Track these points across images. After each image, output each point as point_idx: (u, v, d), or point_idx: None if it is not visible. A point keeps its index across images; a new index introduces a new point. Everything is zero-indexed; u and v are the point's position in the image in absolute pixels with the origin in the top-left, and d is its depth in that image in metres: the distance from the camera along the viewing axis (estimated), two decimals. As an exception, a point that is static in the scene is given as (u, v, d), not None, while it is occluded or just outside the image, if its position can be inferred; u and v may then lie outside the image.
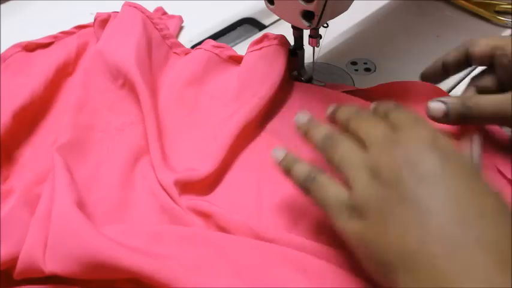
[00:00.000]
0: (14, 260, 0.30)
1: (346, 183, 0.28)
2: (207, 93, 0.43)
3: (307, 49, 0.42)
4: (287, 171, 0.31)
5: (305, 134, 0.33)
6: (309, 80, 0.43)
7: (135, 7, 0.48)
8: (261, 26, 0.54)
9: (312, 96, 0.42)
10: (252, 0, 0.56)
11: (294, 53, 0.43)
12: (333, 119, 0.34)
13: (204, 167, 0.36)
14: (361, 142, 0.29)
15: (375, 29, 0.52)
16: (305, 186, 0.30)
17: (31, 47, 0.49)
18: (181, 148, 0.39)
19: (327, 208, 0.29)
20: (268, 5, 0.39)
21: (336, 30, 0.51)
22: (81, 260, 0.29)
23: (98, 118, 0.41)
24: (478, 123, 0.35)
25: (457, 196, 0.25)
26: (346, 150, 0.29)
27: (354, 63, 0.47)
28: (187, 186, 0.35)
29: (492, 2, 0.51)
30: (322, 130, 0.32)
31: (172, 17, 0.54)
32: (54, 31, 0.51)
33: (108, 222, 0.34)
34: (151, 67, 0.45)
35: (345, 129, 0.32)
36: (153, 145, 0.38)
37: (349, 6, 0.38)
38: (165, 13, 0.54)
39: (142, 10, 0.48)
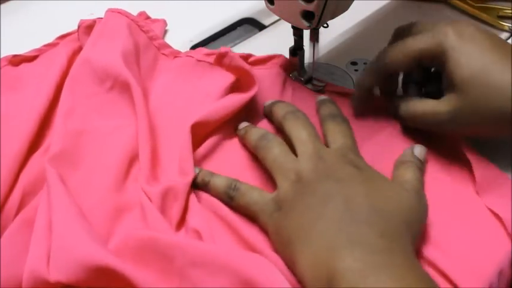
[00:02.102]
0: (18, 283, 0.30)
1: (274, 181, 0.33)
2: (199, 98, 0.43)
3: (307, 49, 0.42)
4: (205, 185, 0.35)
5: (243, 136, 0.38)
6: (309, 80, 0.43)
7: (118, 12, 0.48)
8: (261, 26, 0.54)
9: (306, 98, 0.42)
10: (252, 0, 0.56)
11: (294, 53, 0.43)
12: (269, 114, 0.39)
13: (183, 176, 0.36)
14: (292, 146, 0.34)
15: (375, 29, 0.52)
16: (228, 195, 0.34)
17: (16, 61, 0.48)
18: (171, 151, 0.39)
19: (252, 207, 0.33)
20: (268, 5, 0.39)
21: (336, 30, 0.51)
22: (86, 267, 0.29)
23: (87, 123, 0.40)
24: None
25: (357, 196, 0.30)
26: (278, 155, 0.34)
27: (354, 63, 0.47)
28: (170, 197, 0.35)
29: (495, 6, 0.51)
30: (258, 131, 0.37)
31: (156, 21, 0.53)
32: (54, 31, 0.51)
33: (103, 228, 0.34)
34: (139, 71, 0.44)
35: (280, 126, 0.37)
36: (143, 149, 0.37)
37: (349, 6, 0.38)
38: (148, 17, 0.53)
39: (126, 14, 0.48)
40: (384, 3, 0.55)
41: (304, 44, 0.42)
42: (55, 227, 0.31)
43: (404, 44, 0.36)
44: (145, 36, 0.47)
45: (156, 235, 0.31)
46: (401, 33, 0.38)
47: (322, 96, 0.40)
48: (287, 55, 0.44)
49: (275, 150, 0.34)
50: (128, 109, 0.41)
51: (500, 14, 0.51)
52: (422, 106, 0.36)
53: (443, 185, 0.35)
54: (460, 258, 0.31)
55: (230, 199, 0.34)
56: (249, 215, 0.33)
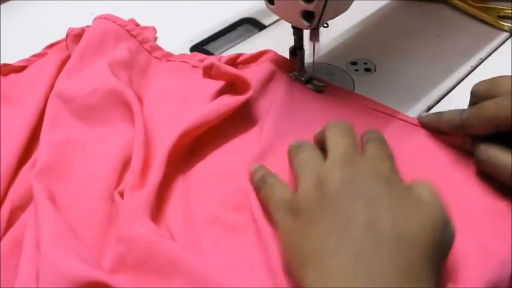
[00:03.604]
0: None
1: (297, 182, 0.32)
2: (193, 102, 0.42)
3: (307, 49, 0.42)
4: (251, 176, 0.35)
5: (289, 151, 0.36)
6: (309, 80, 0.43)
7: (106, 18, 0.47)
8: (261, 26, 0.54)
9: (306, 98, 0.42)
10: (252, 0, 0.56)
11: (294, 53, 0.43)
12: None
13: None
14: (325, 152, 0.33)
15: (375, 29, 0.52)
16: (257, 185, 0.34)
17: (5, 71, 0.47)
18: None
19: (270, 202, 0.32)
20: (268, 5, 0.39)
21: (336, 30, 0.51)
22: (75, 283, 0.28)
23: (72, 132, 0.40)
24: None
25: (381, 220, 0.27)
26: (307, 156, 0.33)
27: (354, 63, 0.47)
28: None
29: (496, 6, 0.51)
30: (300, 142, 0.36)
31: (146, 28, 0.53)
32: (54, 31, 0.51)
33: (97, 238, 0.33)
34: (132, 76, 0.44)
35: (323, 134, 0.35)
36: (136, 155, 0.37)
37: (349, 6, 0.38)
38: (138, 25, 0.53)
39: (114, 20, 0.47)
40: (384, 3, 0.55)
41: (304, 44, 0.42)
42: (43, 246, 0.30)
43: (482, 111, 0.33)
44: (135, 41, 0.47)
45: (159, 247, 0.30)
46: (480, 91, 0.35)
47: (370, 130, 0.37)
48: (287, 55, 0.44)
49: (305, 153, 0.33)
50: (115, 116, 0.41)
51: (501, 14, 0.51)
52: (504, 158, 0.32)
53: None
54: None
55: (258, 189, 0.34)
56: (266, 209, 0.33)
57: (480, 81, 0.36)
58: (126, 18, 0.51)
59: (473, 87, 0.36)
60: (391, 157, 0.33)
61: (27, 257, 0.31)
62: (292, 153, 0.35)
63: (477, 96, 0.35)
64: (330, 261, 0.26)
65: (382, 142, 0.34)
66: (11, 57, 0.49)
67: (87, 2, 0.58)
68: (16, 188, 0.37)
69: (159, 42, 0.51)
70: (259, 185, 0.34)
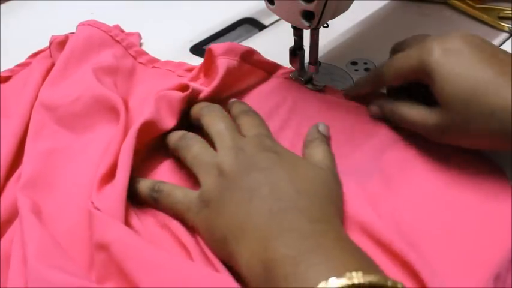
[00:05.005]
0: None
1: (197, 180, 0.33)
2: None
3: (307, 49, 0.42)
4: (134, 192, 0.34)
5: (165, 140, 0.38)
6: (309, 80, 0.43)
7: (89, 25, 0.47)
8: (261, 26, 0.54)
9: (306, 98, 0.42)
10: (252, 0, 0.56)
11: (294, 53, 0.43)
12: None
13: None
14: (210, 140, 0.35)
15: (375, 29, 0.52)
16: (152, 198, 0.34)
17: None
18: None
19: (178, 207, 0.33)
20: (268, 5, 0.39)
21: (336, 30, 0.51)
22: None
23: (57, 141, 0.40)
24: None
25: (280, 182, 0.30)
26: (198, 152, 0.34)
27: (354, 63, 0.47)
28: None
29: (496, 7, 0.51)
30: (177, 133, 0.37)
31: (131, 34, 0.52)
32: (54, 31, 0.50)
33: (85, 249, 0.33)
34: (117, 82, 0.44)
35: (198, 123, 0.37)
36: (108, 157, 0.36)
37: (349, 6, 0.38)
38: (122, 31, 0.52)
39: (98, 26, 0.47)
40: (384, 3, 0.55)
41: (304, 44, 0.42)
42: (29, 261, 0.30)
43: (393, 61, 0.36)
44: (120, 46, 0.47)
45: (132, 250, 0.30)
46: (397, 49, 0.38)
47: (232, 99, 0.40)
48: (287, 55, 0.44)
49: (194, 148, 0.34)
50: (100, 122, 0.40)
51: (501, 14, 0.51)
52: (412, 112, 0.35)
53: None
54: (451, 261, 0.30)
55: (155, 201, 0.34)
56: (176, 215, 0.33)
57: None
58: (126, 18, 0.51)
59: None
60: (267, 129, 0.36)
61: (15, 271, 0.31)
62: (179, 148, 0.35)
63: (394, 52, 0.38)
64: (247, 226, 0.29)
65: (253, 115, 0.37)
66: (11, 58, 0.49)
67: (87, 2, 0.58)
68: (3, 201, 0.36)
69: (158, 43, 0.51)
70: (153, 196, 0.34)
